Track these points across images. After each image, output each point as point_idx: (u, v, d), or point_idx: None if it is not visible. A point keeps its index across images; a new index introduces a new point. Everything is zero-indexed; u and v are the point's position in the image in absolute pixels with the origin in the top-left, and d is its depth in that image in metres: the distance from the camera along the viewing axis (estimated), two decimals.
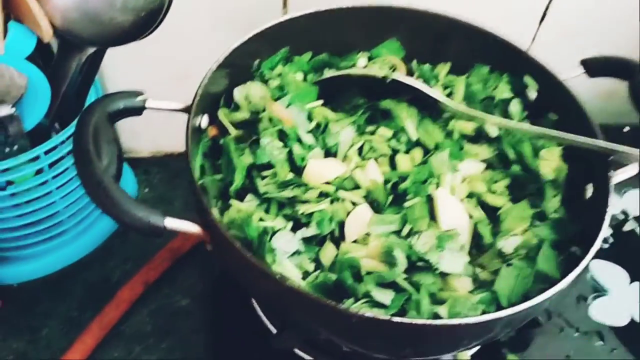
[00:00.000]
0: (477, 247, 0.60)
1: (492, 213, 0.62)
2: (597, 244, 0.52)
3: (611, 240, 0.78)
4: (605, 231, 0.53)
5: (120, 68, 0.81)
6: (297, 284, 0.52)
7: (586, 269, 0.74)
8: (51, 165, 0.73)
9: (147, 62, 0.80)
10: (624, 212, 0.82)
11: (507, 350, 0.66)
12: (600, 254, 0.76)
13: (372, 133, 0.66)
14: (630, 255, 0.77)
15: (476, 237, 0.60)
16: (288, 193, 0.58)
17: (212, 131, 0.64)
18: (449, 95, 0.71)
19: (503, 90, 0.68)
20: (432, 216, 0.59)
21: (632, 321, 0.71)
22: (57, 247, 0.83)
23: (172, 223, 0.50)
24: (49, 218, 0.78)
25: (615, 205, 0.82)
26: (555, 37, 0.87)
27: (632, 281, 0.74)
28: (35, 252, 0.81)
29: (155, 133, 0.94)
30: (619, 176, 0.58)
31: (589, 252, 0.52)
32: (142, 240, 0.89)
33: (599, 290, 0.74)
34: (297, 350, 0.65)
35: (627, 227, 0.80)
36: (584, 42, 0.83)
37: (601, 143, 0.58)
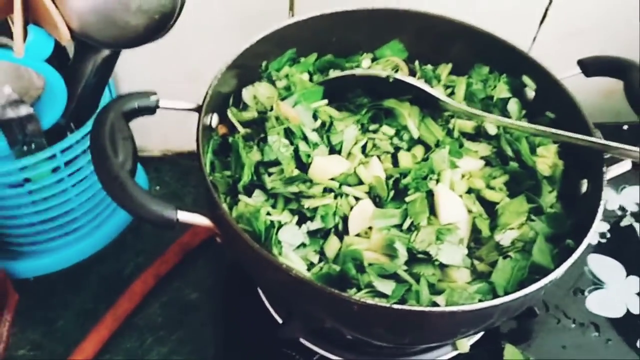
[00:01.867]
0: (476, 240, 0.62)
1: (490, 208, 0.64)
2: (590, 237, 0.54)
3: (609, 235, 0.81)
4: (598, 224, 0.55)
5: (134, 69, 0.83)
6: (302, 273, 0.54)
7: (583, 261, 0.78)
8: (67, 163, 0.75)
9: (160, 63, 0.83)
10: (622, 208, 0.84)
11: (506, 341, 0.69)
12: (598, 249, 0.79)
13: (375, 131, 0.69)
14: (627, 250, 0.79)
15: (475, 230, 0.62)
16: (294, 188, 0.60)
17: (222, 129, 0.67)
18: (451, 94, 0.73)
19: (501, 90, 0.70)
20: (433, 211, 0.62)
21: (628, 313, 0.73)
22: (73, 242, 0.85)
23: (184, 216, 0.53)
24: (65, 214, 0.81)
25: (614, 201, 0.84)
26: (556, 37, 0.89)
27: (628, 274, 0.77)
28: (51, 247, 0.84)
29: (166, 132, 0.97)
30: (612, 172, 0.60)
31: (581, 244, 0.54)
32: (154, 234, 0.92)
33: (596, 284, 0.76)
34: (303, 341, 0.68)
35: (624, 223, 0.82)
36: (584, 43, 0.85)
37: (595, 140, 0.60)
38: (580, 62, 0.70)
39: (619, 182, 0.86)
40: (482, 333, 0.69)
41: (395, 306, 0.49)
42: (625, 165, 0.61)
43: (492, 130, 0.68)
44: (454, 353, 0.68)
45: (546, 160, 0.64)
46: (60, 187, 0.77)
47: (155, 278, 0.85)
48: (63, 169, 0.75)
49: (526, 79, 0.70)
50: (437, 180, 0.63)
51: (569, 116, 0.65)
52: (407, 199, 0.61)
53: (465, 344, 0.67)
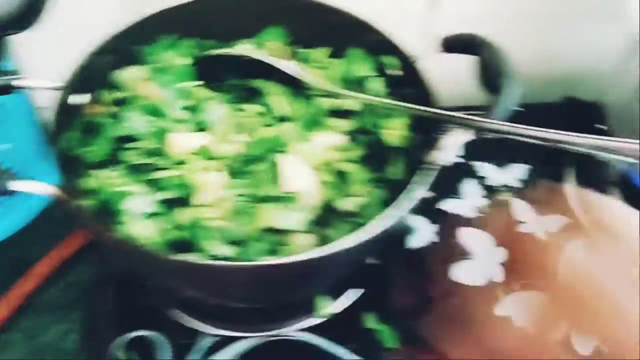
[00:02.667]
0: (328, 209, 0.65)
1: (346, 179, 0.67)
2: (406, 193, 0.58)
3: (487, 210, 0.83)
4: (415, 184, 0.58)
5: (35, 57, 0.86)
6: (125, 236, 0.56)
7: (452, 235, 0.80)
8: None
9: (59, 47, 0.85)
10: (505, 185, 0.87)
11: (367, 309, 0.71)
12: (473, 223, 0.82)
13: (243, 110, 0.72)
14: (499, 223, 0.81)
15: (327, 200, 0.65)
16: (147, 160, 0.64)
17: (91, 109, 0.70)
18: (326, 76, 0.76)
19: (365, 70, 0.74)
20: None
21: (490, 282, 0.75)
22: None
23: (17, 185, 0.56)
24: None
25: (496, 178, 0.87)
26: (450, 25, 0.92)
27: (498, 246, 0.79)
28: None
29: None
30: (451, 141, 0.63)
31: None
32: (66, 220, 0.94)
33: (463, 255, 0.78)
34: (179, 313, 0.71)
35: (501, 197, 0.85)
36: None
37: (436, 111, 0.63)
38: (444, 40, 0.72)
39: (503, 160, 0.89)
40: (346, 303, 0.72)
41: (208, 262, 0.52)
42: (465, 136, 0.63)
43: (353, 106, 0.71)
44: (318, 320, 0.71)
45: (396, 132, 0.67)
46: None
47: (59, 260, 0.88)
48: None
49: (389, 60, 0.73)
50: (287, 152, 0.66)
51: (424, 93, 0.68)
52: (253, 169, 0.64)
53: (324, 311, 0.70)
